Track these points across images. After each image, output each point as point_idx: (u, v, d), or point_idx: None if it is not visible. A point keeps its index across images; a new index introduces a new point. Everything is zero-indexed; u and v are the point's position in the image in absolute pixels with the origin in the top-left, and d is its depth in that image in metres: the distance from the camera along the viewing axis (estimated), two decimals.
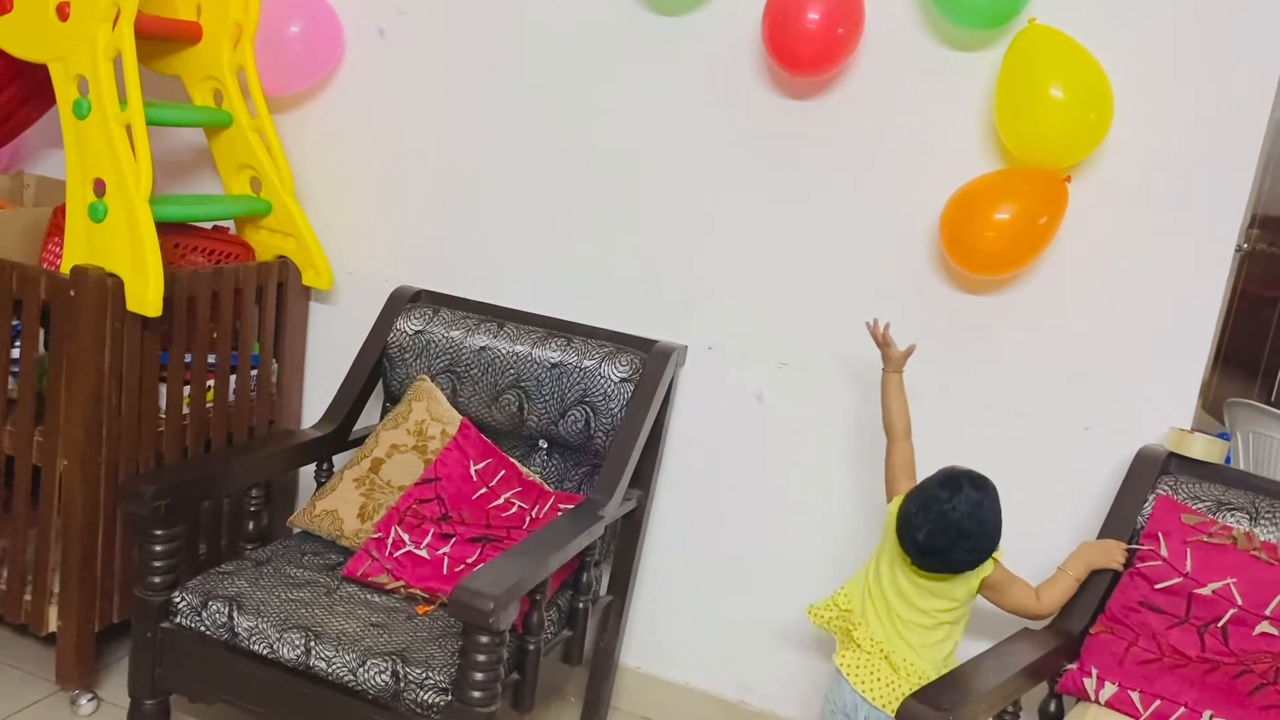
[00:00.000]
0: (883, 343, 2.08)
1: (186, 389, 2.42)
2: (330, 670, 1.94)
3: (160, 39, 2.48)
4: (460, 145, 2.59)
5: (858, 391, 2.34)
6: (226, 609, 2.03)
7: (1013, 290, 2.22)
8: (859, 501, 2.36)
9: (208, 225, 2.62)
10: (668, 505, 2.54)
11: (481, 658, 1.84)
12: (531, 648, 2.04)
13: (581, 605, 2.25)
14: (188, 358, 2.40)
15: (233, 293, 2.47)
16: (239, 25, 2.49)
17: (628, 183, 2.47)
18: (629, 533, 2.45)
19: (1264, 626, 1.81)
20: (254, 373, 2.61)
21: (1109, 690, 1.85)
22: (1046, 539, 2.19)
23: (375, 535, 2.21)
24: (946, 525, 1.80)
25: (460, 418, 2.39)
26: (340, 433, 2.48)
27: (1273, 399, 5.54)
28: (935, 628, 1.90)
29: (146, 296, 2.16)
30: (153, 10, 2.42)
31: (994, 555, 1.88)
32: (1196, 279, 2.10)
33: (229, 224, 2.67)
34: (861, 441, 2.34)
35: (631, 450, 2.30)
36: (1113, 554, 1.96)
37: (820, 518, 2.41)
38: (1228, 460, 2.32)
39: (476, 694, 1.85)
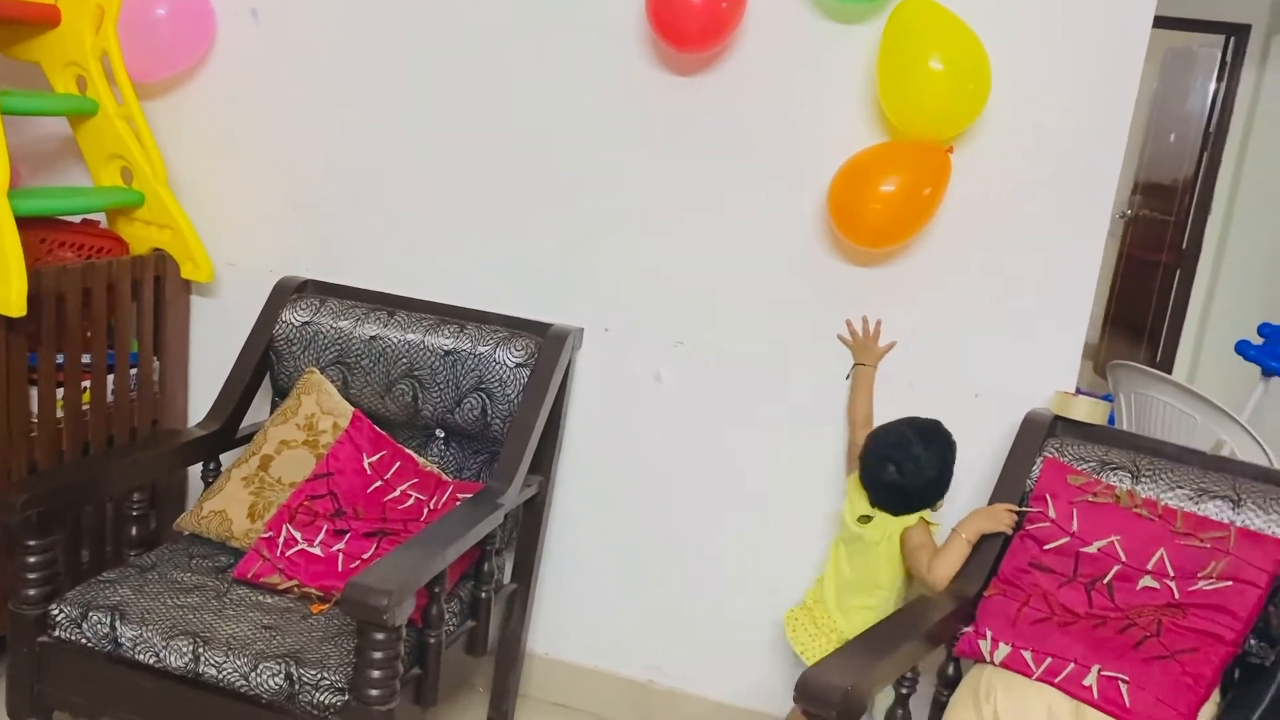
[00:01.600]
0: (872, 339, 2.23)
1: (60, 391, 2.31)
2: (221, 676, 1.88)
3: (13, 23, 2.35)
4: (342, 129, 2.52)
5: (755, 366, 2.34)
6: (108, 619, 1.94)
7: (901, 262, 2.24)
8: (761, 476, 2.37)
9: (76, 219, 2.49)
10: (571, 489, 2.51)
11: (377, 655, 1.79)
12: (432, 641, 2.00)
13: (484, 595, 2.21)
14: (60, 358, 2.29)
15: (105, 289, 2.36)
16: (100, 8, 2.37)
17: (517, 164, 2.43)
18: (531, 519, 2.42)
19: (1146, 580, 1.86)
20: (133, 371, 2.50)
21: (1003, 651, 1.88)
22: (945, 506, 2.23)
23: (266, 535, 2.14)
24: (918, 467, 2.00)
25: (352, 410, 2.33)
26: (226, 430, 2.39)
27: (1158, 359, 5.76)
28: (880, 577, 2.07)
29: (9, 296, 2.05)
30: None
31: (925, 512, 2.05)
32: (1076, 245, 2.15)
33: (100, 217, 2.55)
34: (760, 415, 2.35)
35: (529, 436, 2.27)
36: (999, 518, 2.00)
37: (722, 494, 2.42)
38: (1111, 421, 2.39)
39: (374, 692, 1.81)
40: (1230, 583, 1.79)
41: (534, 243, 2.44)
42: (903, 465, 2.01)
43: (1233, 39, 5.26)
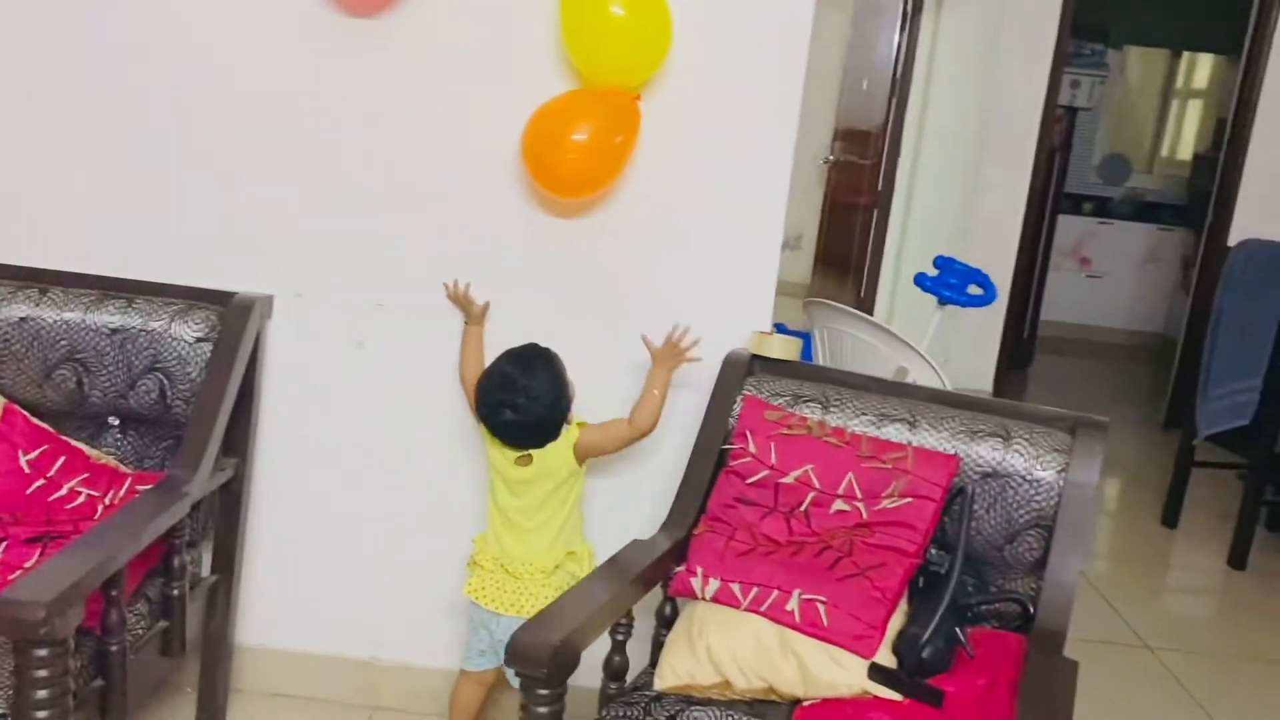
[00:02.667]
0: (465, 301, 2.18)
1: None
2: None
3: None
4: None
5: (459, 325, 2.26)
6: None
7: (599, 212, 2.23)
8: (469, 440, 2.31)
9: None
10: (272, 470, 2.36)
11: (42, 673, 1.60)
12: (114, 649, 1.82)
13: (175, 592, 2.03)
14: None
15: None
16: None
17: (186, 117, 2.22)
18: (228, 505, 2.25)
19: (838, 505, 1.95)
20: None
21: (713, 585, 1.93)
22: (655, 452, 2.27)
23: None
24: (531, 399, 2.00)
25: (4, 402, 2.07)
26: None
27: (862, 294, 6.15)
28: (552, 514, 2.09)
29: None
30: None
31: (574, 421, 2.08)
32: (763, 190, 2.20)
33: None
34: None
35: (216, 416, 2.09)
36: (674, 356, 2.09)
37: (433, 461, 2.34)
38: (809, 356, 2.49)
39: (41, 714, 1.61)
40: (910, 499, 1.90)
41: (210, 206, 2.25)
42: (517, 404, 2.01)
43: None
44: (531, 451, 2.07)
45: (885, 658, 1.78)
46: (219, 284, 2.22)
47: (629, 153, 2.13)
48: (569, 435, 2.08)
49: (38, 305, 2.14)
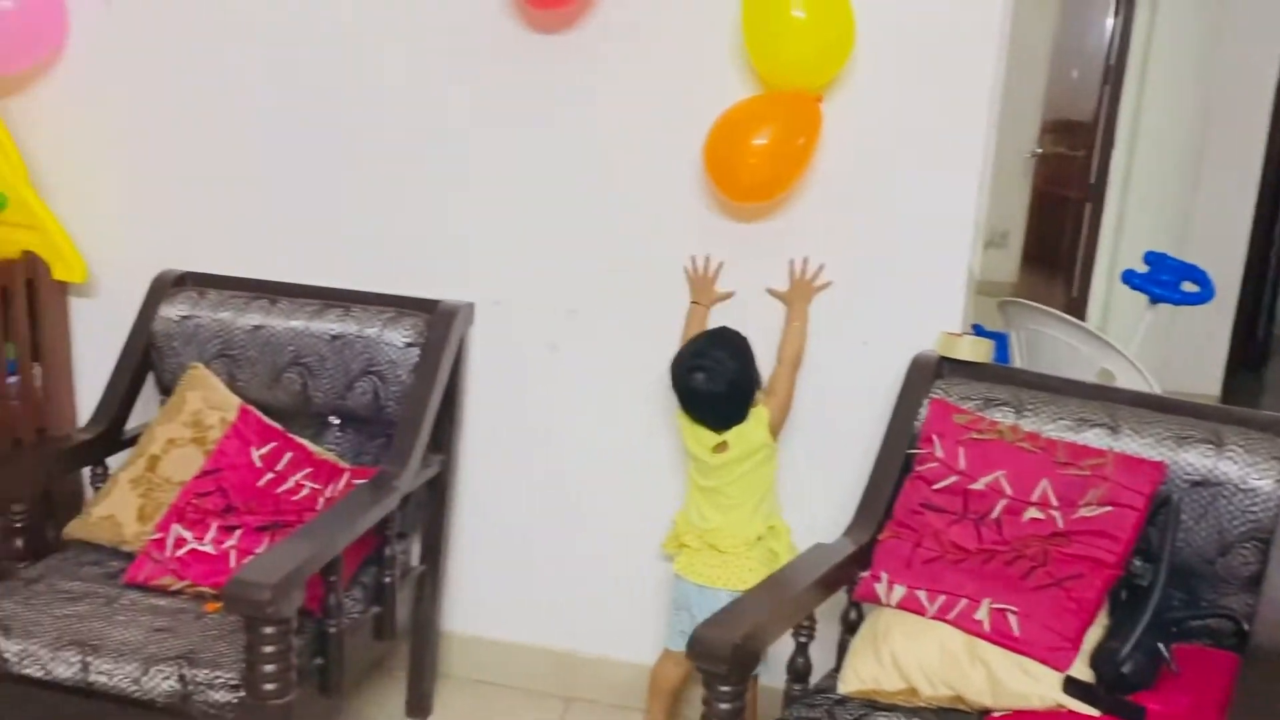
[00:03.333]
0: (705, 283, 2.24)
1: None
2: (111, 684, 1.84)
3: None
4: (207, 115, 2.45)
5: (648, 328, 2.33)
6: None
7: (782, 215, 2.23)
8: (661, 438, 2.36)
9: None
10: (476, 466, 2.49)
11: (268, 649, 1.76)
12: (332, 630, 1.97)
13: (388, 580, 2.18)
14: None
15: None
16: None
17: (390, 139, 2.38)
18: (435, 500, 2.40)
19: (1032, 512, 1.89)
20: (13, 379, 2.43)
21: (899, 592, 1.90)
22: (836, 454, 2.25)
23: (155, 536, 2.09)
24: (722, 364, 2.07)
25: (239, 403, 2.28)
26: (112, 433, 2.33)
27: (1074, 293, 5.85)
28: (752, 491, 2.15)
29: None
30: None
31: (758, 403, 2.13)
32: (952, 187, 2.15)
33: None
34: (658, 378, 2.33)
35: (423, 416, 2.24)
36: (806, 289, 2.20)
37: (624, 459, 2.41)
38: (1004, 359, 2.42)
39: (268, 686, 1.77)
40: (1110, 508, 1.82)
41: (416, 219, 2.40)
42: (707, 368, 2.07)
43: None
44: (726, 438, 2.11)
45: (1081, 672, 1.71)
46: (426, 293, 2.37)
47: (810, 155, 2.13)
48: (759, 416, 2.13)
49: (268, 314, 2.35)
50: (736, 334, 2.14)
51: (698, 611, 2.13)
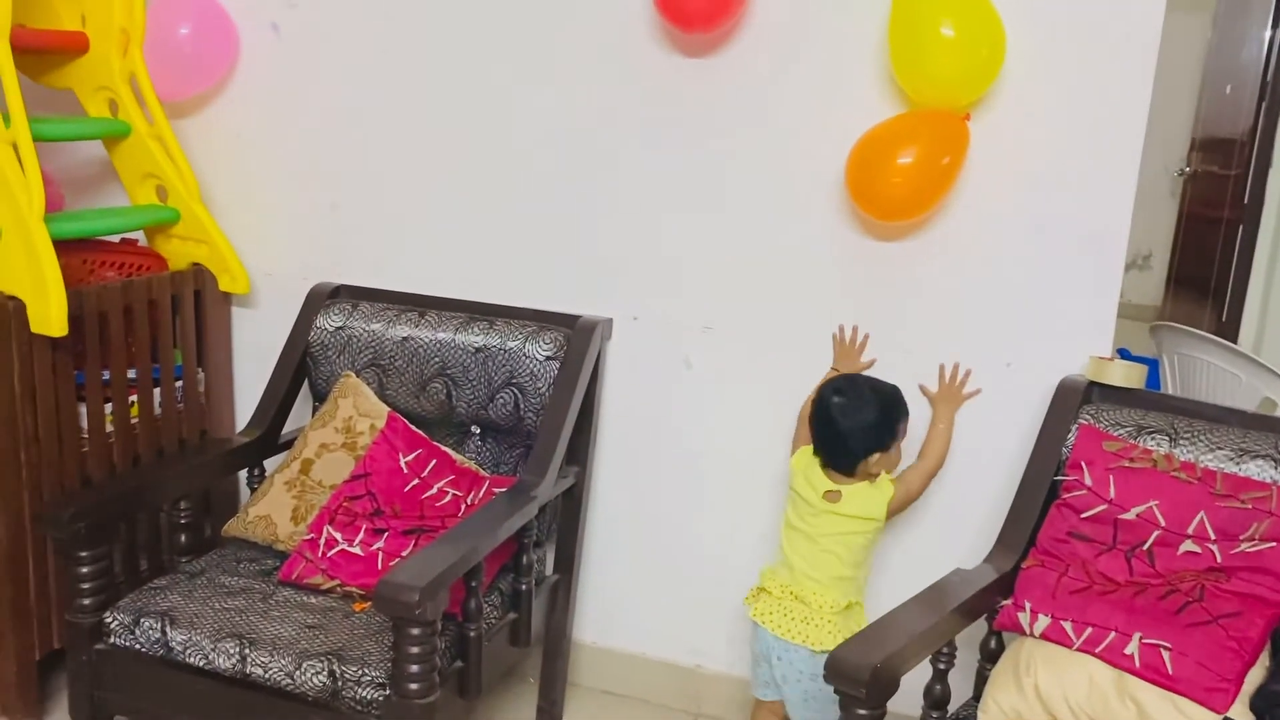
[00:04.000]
0: (850, 351, 2.25)
1: (109, 406, 2.39)
2: (267, 676, 1.93)
3: (44, 52, 2.43)
4: (364, 135, 2.56)
5: (784, 347, 2.33)
6: (159, 625, 2.00)
7: (924, 234, 2.21)
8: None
9: (116, 239, 2.57)
10: (609, 479, 2.53)
11: (414, 649, 1.83)
12: (472, 634, 2.03)
13: (524, 587, 2.24)
14: (106, 375, 2.36)
15: (146, 305, 2.43)
16: (125, 31, 2.44)
17: (535, 158, 2.44)
18: (570, 510, 2.44)
19: (1187, 545, 1.82)
20: (179, 384, 2.58)
21: (1043, 622, 1.85)
22: (975, 479, 2.21)
23: (308, 537, 2.19)
24: (864, 401, 2.06)
25: (388, 410, 2.37)
26: (268, 436, 2.45)
27: (1224, 318, 5.58)
28: (848, 554, 2.09)
29: (49, 316, 2.12)
30: (33, 22, 2.37)
31: (888, 476, 2.11)
32: (1104, 208, 2.09)
33: (139, 235, 2.63)
34: (791, 396, 2.33)
35: (562, 428, 2.28)
36: (955, 395, 2.19)
37: (754, 478, 2.41)
38: (1156, 384, 2.33)
39: (413, 686, 1.84)
40: (1274, 544, 1.74)
41: (559, 236, 2.46)
42: (848, 395, 2.06)
43: None
44: (842, 490, 2.08)
45: (1241, 714, 1.64)
46: (567, 308, 2.42)
47: (956, 174, 2.10)
48: (883, 488, 2.09)
49: (417, 326, 2.44)
50: (894, 387, 2.11)
51: (781, 667, 2.11)
